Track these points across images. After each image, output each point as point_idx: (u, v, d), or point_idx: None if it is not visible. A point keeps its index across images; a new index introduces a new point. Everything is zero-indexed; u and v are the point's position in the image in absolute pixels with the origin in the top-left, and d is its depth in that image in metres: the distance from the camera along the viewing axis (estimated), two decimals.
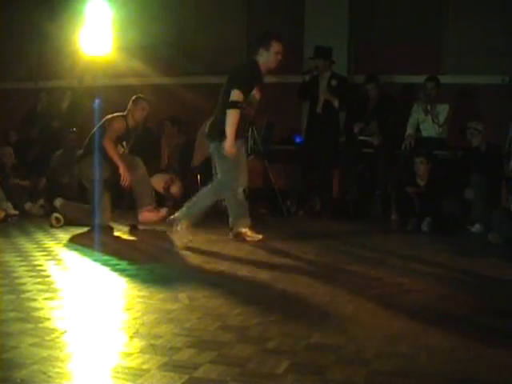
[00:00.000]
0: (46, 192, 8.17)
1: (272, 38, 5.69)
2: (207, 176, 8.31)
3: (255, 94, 5.64)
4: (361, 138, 8.07)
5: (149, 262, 4.69)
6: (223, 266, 4.51)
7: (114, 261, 4.61)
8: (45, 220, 6.84)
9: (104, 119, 6.58)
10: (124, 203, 8.15)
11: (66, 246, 5.37)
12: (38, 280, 3.79)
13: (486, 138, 7.08)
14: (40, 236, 5.89)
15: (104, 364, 2.32)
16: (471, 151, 7.12)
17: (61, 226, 6.44)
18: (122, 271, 4.24)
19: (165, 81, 9.64)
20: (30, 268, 4.19)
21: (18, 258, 4.57)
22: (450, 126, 7.83)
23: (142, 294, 3.51)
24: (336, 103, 8.04)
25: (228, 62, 9.82)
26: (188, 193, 8.67)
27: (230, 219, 5.90)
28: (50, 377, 2.15)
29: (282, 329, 2.83)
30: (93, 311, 3.15)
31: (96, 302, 3.39)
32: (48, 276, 3.95)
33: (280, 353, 2.48)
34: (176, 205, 8.66)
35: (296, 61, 8.57)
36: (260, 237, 5.80)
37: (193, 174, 8.48)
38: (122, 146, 6.66)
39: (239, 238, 5.81)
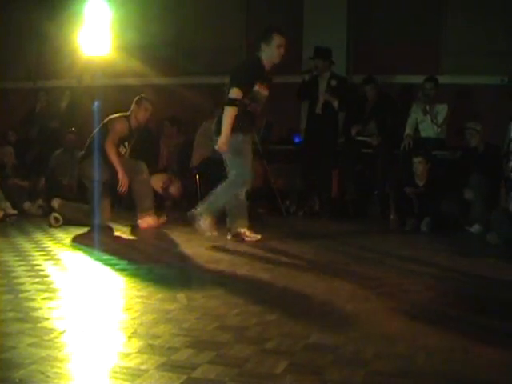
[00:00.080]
0: (44, 192, 8.17)
1: (273, 31, 5.68)
2: (206, 176, 8.36)
3: (259, 90, 5.64)
4: (360, 138, 8.07)
5: (147, 262, 4.68)
6: (222, 266, 4.51)
7: (113, 261, 4.61)
8: (43, 220, 6.84)
9: (107, 119, 6.58)
10: (123, 203, 8.17)
11: (64, 245, 5.37)
12: (37, 280, 3.79)
13: (485, 138, 7.09)
14: (39, 236, 5.88)
15: (102, 364, 2.32)
16: (470, 151, 7.12)
17: (59, 226, 6.44)
18: (120, 271, 4.24)
19: (164, 81, 9.65)
20: (28, 268, 4.19)
21: (17, 258, 4.56)
22: (449, 127, 7.84)
23: (140, 294, 3.51)
24: (336, 104, 8.04)
25: (227, 61, 9.82)
26: (187, 193, 8.71)
27: (228, 219, 5.90)
28: (48, 377, 2.14)
29: (280, 329, 2.83)
30: (91, 311, 3.14)
31: (94, 301, 3.39)
32: (46, 276, 3.95)
33: (278, 353, 2.48)
34: (175, 205, 8.72)
35: (295, 61, 8.57)
36: (259, 237, 5.79)
37: (192, 174, 8.48)
38: (124, 147, 6.67)
39: (238, 238, 5.80)
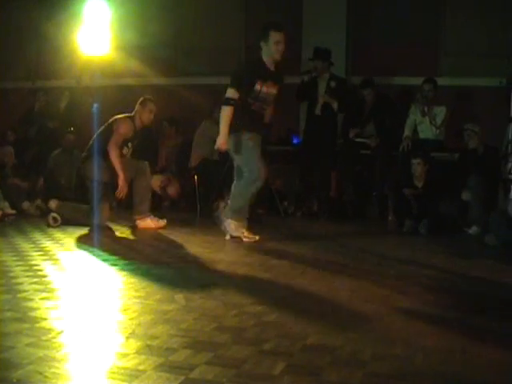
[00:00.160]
0: (43, 192, 8.16)
1: (269, 28, 5.69)
2: (204, 176, 8.37)
3: (261, 89, 5.65)
4: (358, 139, 8.08)
5: (146, 262, 4.68)
6: (220, 267, 4.51)
7: (111, 261, 4.61)
8: (42, 220, 6.83)
9: (112, 119, 6.57)
10: (123, 204, 8.17)
11: (63, 245, 5.36)
12: (35, 280, 3.79)
13: (484, 140, 7.09)
14: (37, 236, 5.88)
15: (100, 364, 2.32)
16: (468, 153, 7.12)
17: (58, 226, 6.43)
18: (119, 271, 4.24)
19: (162, 81, 9.65)
20: (26, 268, 4.18)
21: (15, 258, 4.56)
22: (448, 128, 7.84)
23: (138, 294, 3.51)
24: (335, 105, 8.04)
25: (226, 62, 9.85)
26: (185, 193, 8.72)
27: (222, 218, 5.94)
28: (46, 377, 2.14)
29: (278, 330, 2.83)
30: (89, 311, 3.14)
31: (92, 302, 3.39)
32: (45, 276, 3.94)
33: (276, 354, 2.48)
34: (173, 205, 8.72)
35: (294, 61, 8.57)
36: (257, 238, 5.80)
37: (190, 175, 8.48)
38: (127, 147, 6.66)
39: (236, 238, 5.81)
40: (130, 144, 6.67)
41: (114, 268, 4.35)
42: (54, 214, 6.52)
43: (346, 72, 9.09)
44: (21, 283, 3.68)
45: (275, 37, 5.63)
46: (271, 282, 4.05)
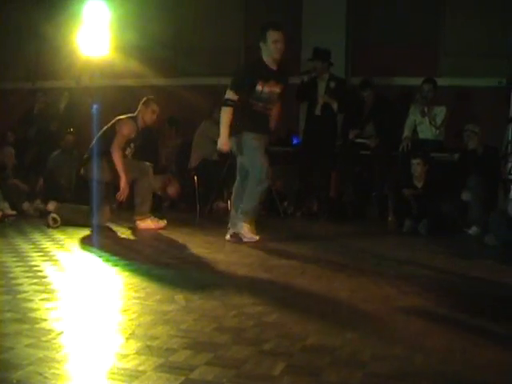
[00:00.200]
0: (42, 193, 8.17)
1: (267, 28, 5.70)
2: (204, 177, 8.37)
3: (263, 89, 5.65)
4: (358, 140, 8.08)
5: (146, 263, 4.68)
6: (220, 268, 4.51)
7: (111, 262, 4.61)
8: (42, 220, 6.82)
9: (115, 120, 6.56)
10: (124, 204, 8.17)
11: (62, 246, 5.36)
12: (35, 281, 3.79)
13: (483, 140, 7.09)
14: (37, 236, 5.88)
15: (100, 365, 2.32)
16: (468, 153, 7.12)
17: (57, 227, 6.43)
18: (118, 272, 4.24)
19: (162, 81, 9.66)
20: (26, 269, 4.18)
21: (15, 259, 4.56)
22: (447, 128, 7.84)
23: (138, 295, 3.51)
24: (335, 106, 8.04)
25: (226, 62, 9.86)
26: (185, 194, 8.72)
27: (230, 219, 5.93)
28: (46, 378, 2.14)
29: (278, 330, 2.83)
30: (89, 312, 3.14)
31: (92, 303, 3.39)
32: (44, 277, 3.94)
33: (276, 354, 2.48)
34: (173, 205, 8.72)
35: (294, 62, 8.57)
36: (257, 238, 5.79)
37: (190, 175, 8.49)
38: (130, 148, 6.66)
39: (236, 238, 5.81)
40: (132, 144, 6.67)
41: (113, 269, 4.35)
42: (54, 215, 6.52)
43: (345, 72, 9.09)
44: (21, 284, 3.68)
45: (273, 36, 5.64)
46: (271, 282, 4.05)
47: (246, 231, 5.68)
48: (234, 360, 2.39)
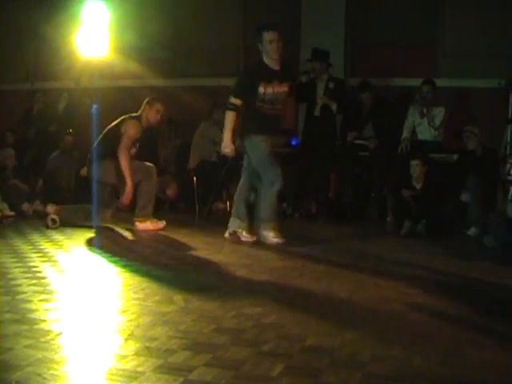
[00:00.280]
0: (42, 194, 8.16)
1: (261, 29, 5.71)
2: (203, 178, 8.37)
3: (265, 90, 5.64)
4: (357, 141, 8.08)
5: (145, 264, 4.68)
6: (219, 269, 4.52)
7: (110, 263, 4.61)
8: (41, 221, 6.82)
9: (120, 120, 6.53)
10: (126, 207, 8.18)
11: (61, 247, 5.36)
12: (34, 281, 3.79)
13: (482, 141, 7.09)
14: (36, 237, 5.88)
15: (99, 366, 2.32)
16: (467, 154, 7.12)
17: (56, 228, 6.43)
18: (117, 273, 4.24)
19: (161, 82, 9.65)
20: (25, 269, 4.18)
21: (14, 260, 4.56)
22: (446, 129, 7.84)
23: (137, 296, 3.51)
24: (334, 107, 8.03)
25: (224, 63, 9.87)
26: (184, 194, 8.72)
27: (231, 218, 5.96)
28: (44, 379, 2.14)
29: (277, 331, 2.83)
30: (88, 313, 3.14)
31: (91, 303, 3.39)
32: (43, 277, 3.94)
33: (275, 355, 2.48)
34: (172, 207, 8.71)
35: (293, 62, 8.57)
36: (255, 238, 5.81)
37: (189, 176, 8.49)
38: (135, 147, 6.65)
39: (234, 237, 5.83)
40: (137, 144, 6.66)
41: (112, 269, 4.36)
42: (53, 216, 6.51)
43: (344, 73, 9.09)
44: (19, 285, 3.68)
45: (268, 36, 5.65)
46: (270, 283, 4.05)
47: (272, 235, 5.64)
48: (233, 361, 2.39)
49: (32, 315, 2.98)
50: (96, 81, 9.86)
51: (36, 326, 2.79)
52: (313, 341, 2.70)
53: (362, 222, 7.87)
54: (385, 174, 7.80)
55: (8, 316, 2.96)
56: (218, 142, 8.45)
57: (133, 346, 2.55)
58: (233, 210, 6.04)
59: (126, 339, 2.66)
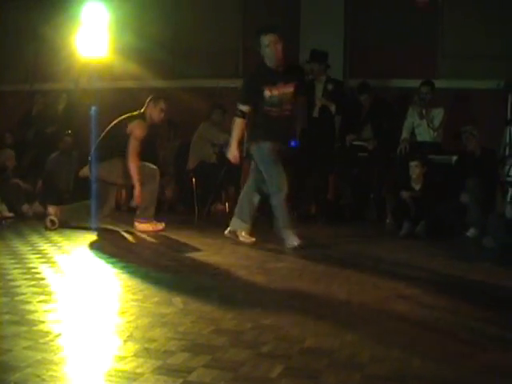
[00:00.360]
0: (41, 195, 8.16)
1: (259, 34, 5.70)
2: (202, 179, 8.37)
3: (271, 94, 5.63)
4: (356, 143, 8.08)
5: (143, 265, 4.68)
6: (218, 270, 4.51)
7: (109, 264, 4.61)
8: (40, 222, 6.81)
9: (122, 120, 6.51)
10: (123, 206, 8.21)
11: (60, 248, 5.36)
12: (33, 283, 3.79)
13: (481, 142, 7.09)
14: (35, 238, 5.87)
15: (98, 367, 2.32)
16: (466, 156, 7.12)
17: (55, 229, 6.42)
18: (116, 274, 4.23)
19: (160, 83, 9.65)
20: (24, 270, 4.18)
21: (13, 261, 4.56)
22: (445, 131, 7.84)
23: (136, 297, 3.51)
24: (333, 108, 8.03)
25: (223, 64, 9.87)
26: (183, 196, 8.72)
27: (234, 216, 5.97)
28: (43, 380, 2.14)
29: (276, 333, 2.82)
30: (87, 314, 3.14)
31: (90, 305, 3.38)
32: (42, 279, 3.94)
33: (274, 357, 2.48)
34: (171, 208, 8.71)
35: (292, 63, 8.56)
36: (253, 239, 5.83)
37: (188, 177, 8.48)
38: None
39: (233, 236, 5.84)
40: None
41: (111, 271, 4.35)
42: (52, 217, 6.50)
43: (343, 74, 9.09)
44: (18, 286, 3.68)
45: (265, 40, 5.64)
46: (269, 284, 4.05)
47: (291, 238, 5.61)
48: (232, 362, 2.39)
49: (31, 316, 2.98)
50: (95, 82, 9.86)
51: (35, 328, 2.79)
52: (312, 342, 2.70)
53: (361, 223, 7.88)
54: (384, 175, 7.81)
55: (7, 317, 2.95)
56: (217, 143, 8.50)
57: (132, 348, 2.54)
58: (236, 210, 6.04)
59: (125, 340, 2.65)
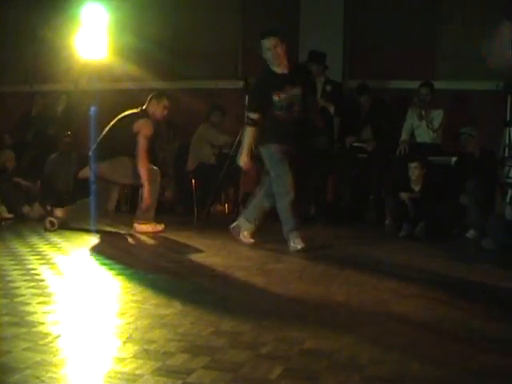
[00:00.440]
0: (40, 196, 8.15)
1: (260, 38, 5.69)
2: (201, 180, 8.37)
3: (280, 98, 5.60)
4: (355, 144, 8.08)
5: (143, 266, 4.68)
6: (217, 271, 4.51)
7: (108, 265, 4.60)
8: (39, 224, 6.80)
9: (127, 117, 6.51)
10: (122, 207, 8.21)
11: (60, 249, 5.36)
12: (32, 284, 3.78)
13: (481, 143, 7.10)
14: (34, 240, 5.87)
15: (97, 369, 2.32)
16: (465, 157, 7.13)
17: (55, 230, 6.42)
18: (115, 276, 4.23)
19: (160, 85, 9.64)
20: (23, 272, 4.18)
21: (12, 262, 4.55)
22: (445, 132, 7.85)
23: (135, 298, 3.51)
24: (332, 109, 8.03)
25: (223, 65, 9.87)
26: (182, 197, 8.72)
27: (244, 212, 6.00)
28: (43, 381, 2.14)
29: (275, 334, 2.82)
30: (86, 316, 3.14)
31: (89, 306, 3.38)
32: (42, 280, 3.94)
33: (273, 358, 2.48)
34: (170, 209, 8.71)
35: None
36: (251, 241, 5.83)
37: (187, 178, 8.49)
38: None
39: (235, 232, 5.89)
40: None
41: (111, 272, 4.35)
42: (51, 218, 6.49)
43: (343, 75, 9.09)
44: (18, 287, 3.68)
45: (265, 44, 5.63)
46: (268, 285, 4.04)
47: (297, 241, 5.58)
48: (232, 364, 2.39)
49: (30, 318, 2.98)
50: (95, 83, 9.87)
51: (34, 329, 2.79)
52: (311, 343, 2.70)
53: (361, 224, 7.87)
54: (383, 176, 7.80)
55: (6, 319, 2.95)
56: (216, 145, 8.51)
57: (131, 349, 2.54)
58: (244, 210, 6.04)
59: (125, 342, 2.65)
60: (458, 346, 2.75)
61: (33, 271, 4.22)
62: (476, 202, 6.59)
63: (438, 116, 7.83)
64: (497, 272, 4.93)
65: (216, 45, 10.09)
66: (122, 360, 2.40)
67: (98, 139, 6.55)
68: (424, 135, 7.87)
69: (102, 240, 6.04)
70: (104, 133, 6.54)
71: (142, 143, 6.35)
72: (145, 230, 6.51)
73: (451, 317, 3.31)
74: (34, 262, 4.58)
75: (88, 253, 5.29)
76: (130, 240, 6.22)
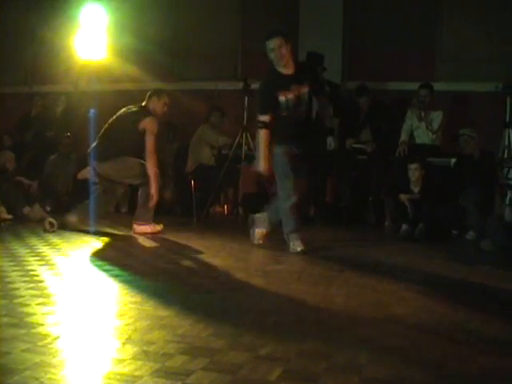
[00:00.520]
0: (40, 196, 8.15)
1: (265, 40, 5.67)
2: (201, 181, 8.38)
3: (286, 98, 5.59)
4: (354, 145, 8.08)
5: (142, 267, 4.68)
6: (216, 272, 4.51)
7: (108, 266, 4.60)
8: (38, 225, 6.80)
9: (128, 116, 6.48)
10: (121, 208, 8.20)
11: (59, 251, 5.35)
12: (31, 285, 3.78)
13: (480, 145, 7.10)
14: (33, 241, 5.86)
15: (96, 370, 2.32)
16: (465, 158, 7.13)
17: (54, 231, 6.41)
18: (115, 277, 4.23)
19: (159, 85, 9.64)
20: (23, 273, 4.18)
21: (11, 263, 4.55)
22: (444, 133, 7.85)
23: (134, 300, 3.51)
24: (330, 110, 8.02)
25: (223, 66, 9.87)
26: (182, 198, 8.72)
27: (267, 213, 5.96)
28: (42, 383, 2.14)
29: (274, 335, 2.83)
30: (85, 317, 3.14)
31: (89, 307, 3.38)
32: (41, 281, 3.94)
33: (272, 360, 2.48)
34: (170, 210, 8.71)
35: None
36: (255, 242, 5.85)
37: (187, 179, 8.49)
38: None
39: (251, 227, 5.94)
40: None
41: (110, 273, 4.35)
42: (51, 219, 6.49)
43: (342, 77, 9.10)
44: (17, 288, 3.68)
45: (269, 45, 5.61)
46: (267, 287, 4.05)
47: (297, 244, 5.54)
48: (231, 365, 2.39)
49: (30, 319, 2.98)
50: (94, 84, 9.87)
51: (34, 330, 2.79)
52: (310, 345, 2.70)
53: (360, 225, 7.87)
54: (382, 177, 7.80)
55: (6, 320, 2.95)
56: (215, 146, 8.52)
57: (130, 350, 2.54)
58: (268, 210, 6.01)
59: (124, 343, 2.65)
60: (457, 347, 2.75)
61: (32, 272, 4.22)
62: (475, 203, 6.59)
63: (437, 117, 7.83)
64: (496, 273, 4.93)
65: (216, 45, 10.09)
66: (121, 361, 2.40)
67: (98, 137, 6.52)
68: (423, 136, 7.87)
69: (102, 241, 6.03)
70: (103, 131, 6.51)
71: (150, 140, 6.33)
72: (144, 230, 6.51)
73: (450, 318, 3.31)
74: (33, 263, 4.57)
75: (87, 254, 5.28)
76: (129, 241, 6.21)
